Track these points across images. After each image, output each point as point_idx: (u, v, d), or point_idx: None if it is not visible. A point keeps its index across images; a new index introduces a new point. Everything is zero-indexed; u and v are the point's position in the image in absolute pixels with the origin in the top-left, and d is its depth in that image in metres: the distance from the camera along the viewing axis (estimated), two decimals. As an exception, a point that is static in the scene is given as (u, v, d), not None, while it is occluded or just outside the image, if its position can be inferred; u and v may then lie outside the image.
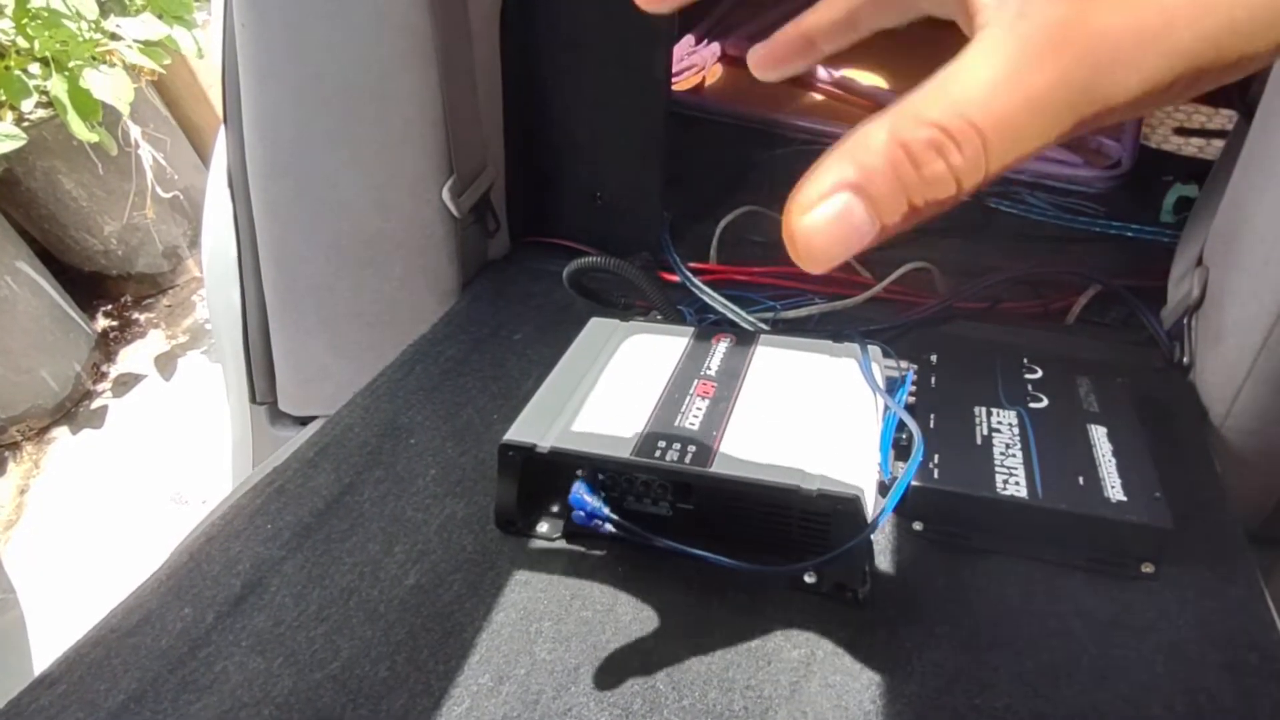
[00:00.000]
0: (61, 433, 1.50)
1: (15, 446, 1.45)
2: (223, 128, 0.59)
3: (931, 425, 0.43)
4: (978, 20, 0.16)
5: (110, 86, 1.26)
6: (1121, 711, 0.32)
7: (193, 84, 1.78)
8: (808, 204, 0.16)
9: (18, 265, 1.45)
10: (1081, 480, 0.38)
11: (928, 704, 0.32)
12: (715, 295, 0.59)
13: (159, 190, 1.62)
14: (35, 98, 1.28)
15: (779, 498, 0.36)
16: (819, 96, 1.01)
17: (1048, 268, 0.64)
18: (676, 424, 0.40)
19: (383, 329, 0.61)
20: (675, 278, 0.63)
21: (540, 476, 0.40)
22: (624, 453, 0.38)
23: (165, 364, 1.65)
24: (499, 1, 0.61)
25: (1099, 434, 0.41)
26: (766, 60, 0.25)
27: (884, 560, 0.39)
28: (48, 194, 1.54)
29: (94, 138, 1.28)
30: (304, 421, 0.66)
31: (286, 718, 0.32)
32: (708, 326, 0.52)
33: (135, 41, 1.34)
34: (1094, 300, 0.60)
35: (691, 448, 0.38)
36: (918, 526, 0.40)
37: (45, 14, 1.22)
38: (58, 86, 1.22)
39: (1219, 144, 0.82)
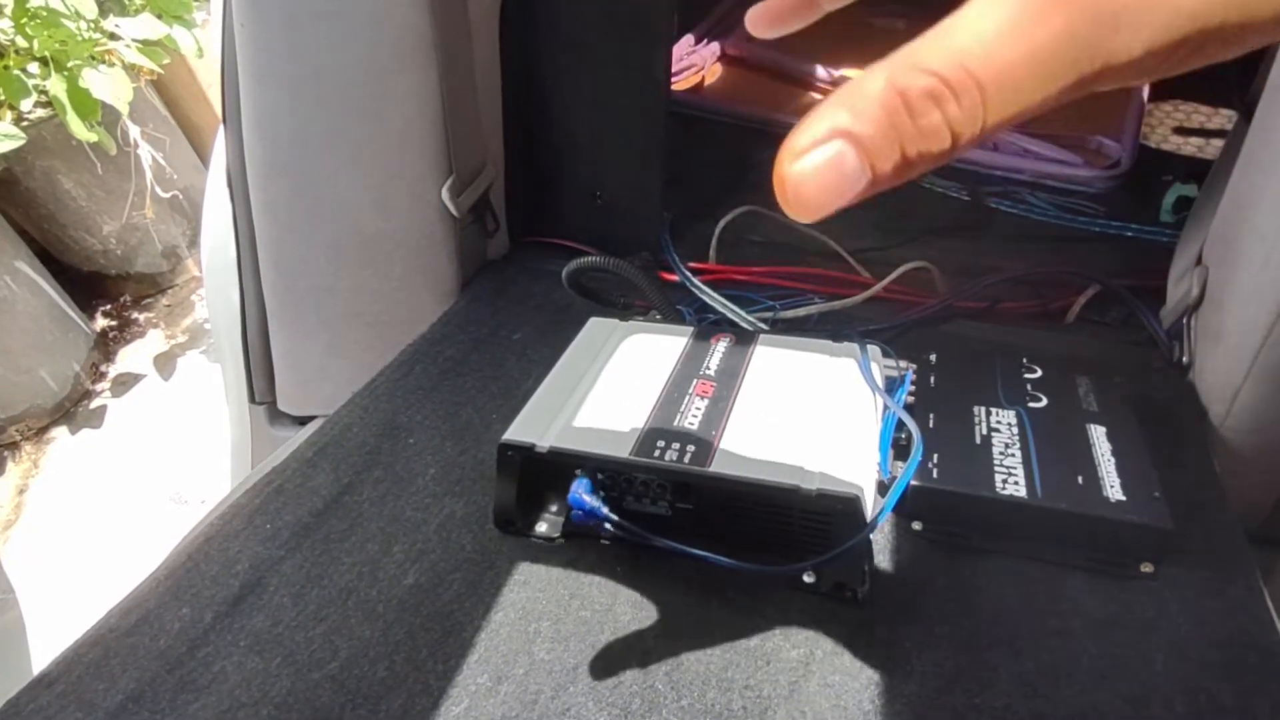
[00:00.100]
0: (60, 433, 1.50)
1: (14, 446, 1.45)
2: (222, 127, 0.59)
3: (931, 425, 0.43)
4: None
5: (109, 86, 1.26)
6: (1121, 711, 0.32)
7: (192, 84, 1.78)
8: (799, 150, 0.16)
9: (17, 265, 1.45)
10: (1081, 480, 0.38)
11: (927, 704, 0.32)
12: (714, 295, 0.59)
13: (158, 190, 1.62)
14: (34, 97, 1.28)
15: (778, 497, 0.36)
16: (819, 96, 1.02)
17: (1047, 267, 0.64)
18: (676, 423, 0.40)
19: (382, 329, 0.61)
20: (675, 277, 0.63)
21: (539, 476, 0.40)
22: (623, 452, 0.38)
23: (164, 364, 1.65)
24: (498, 0, 0.61)
25: (1098, 434, 0.41)
26: (766, 16, 0.25)
27: (883, 560, 0.39)
28: (47, 194, 1.54)
29: (93, 137, 1.28)
30: (303, 421, 0.66)
31: (285, 718, 0.32)
32: (707, 326, 0.52)
33: (134, 41, 1.34)
34: (1093, 300, 0.60)
35: (691, 447, 0.38)
36: (917, 526, 0.40)
37: (44, 13, 1.22)
38: (57, 86, 1.22)
39: (1218, 144, 0.82)
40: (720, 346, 0.46)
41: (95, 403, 1.56)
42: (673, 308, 0.57)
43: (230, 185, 0.59)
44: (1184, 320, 0.52)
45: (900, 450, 0.42)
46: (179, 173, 1.68)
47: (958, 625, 0.35)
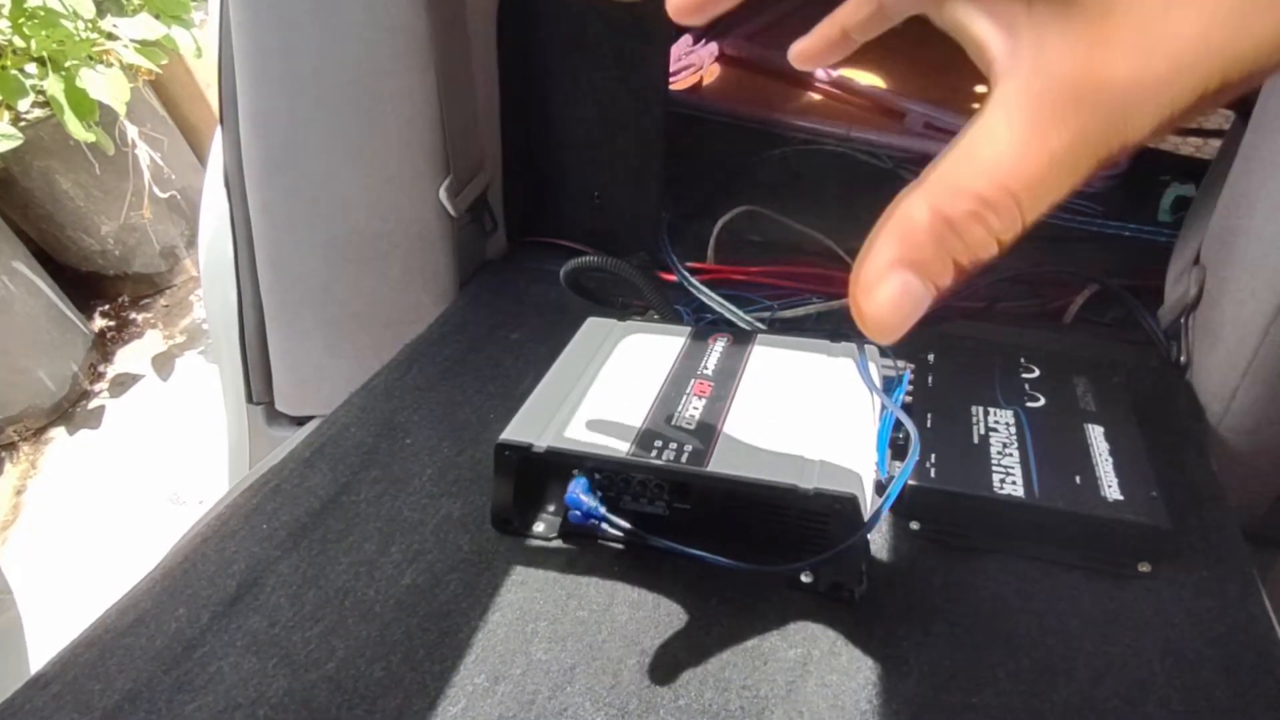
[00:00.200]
0: (59, 433, 1.50)
1: (12, 447, 1.45)
2: (219, 128, 0.59)
3: (928, 424, 0.43)
4: (993, 69, 0.17)
5: (107, 86, 1.26)
6: (1118, 710, 0.32)
7: (190, 84, 1.78)
8: (870, 286, 0.17)
9: (14, 265, 1.45)
10: (1078, 479, 0.38)
11: (924, 703, 0.32)
12: (712, 295, 0.59)
13: (156, 190, 1.62)
14: (32, 97, 1.27)
15: (776, 497, 0.36)
16: (817, 96, 1.02)
17: (1045, 267, 0.64)
18: (673, 423, 0.40)
19: (379, 329, 0.61)
20: (673, 277, 0.63)
21: (537, 476, 0.40)
22: (621, 452, 0.38)
23: (162, 364, 1.65)
24: (496, 1, 0.61)
25: (1096, 433, 0.41)
26: (806, 55, 0.27)
27: (881, 559, 0.39)
28: (44, 194, 1.54)
29: (91, 137, 1.28)
30: (301, 421, 0.66)
31: (281, 718, 0.32)
32: (705, 326, 0.52)
33: (132, 41, 1.33)
34: (1091, 299, 0.60)
35: (688, 447, 0.38)
36: (915, 526, 0.40)
37: (42, 13, 1.22)
38: (54, 86, 1.21)
39: (1216, 143, 0.82)
40: (718, 346, 0.46)
41: (93, 403, 1.56)
42: (670, 307, 0.57)
43: (228, 185, 0.59)
44: (1182, 320, 0.52)
45: (898, 450, 0.42)
46: (177, 173, 1.68)
47: (955, 624, 0.35)
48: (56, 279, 1.57)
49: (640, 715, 0.32)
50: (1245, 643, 0.34)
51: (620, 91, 0.64)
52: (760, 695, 0.33)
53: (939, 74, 0.95)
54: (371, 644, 0.35)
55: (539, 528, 0.40)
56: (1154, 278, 0.58)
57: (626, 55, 0.62)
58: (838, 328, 0.55)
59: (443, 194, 0.57)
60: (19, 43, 1.22)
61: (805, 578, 0.37)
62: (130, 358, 1.67)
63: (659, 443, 0.38)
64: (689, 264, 0.64)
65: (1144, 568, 0.37)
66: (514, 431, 0.39)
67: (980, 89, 0.91)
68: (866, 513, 0.35)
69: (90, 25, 1.29)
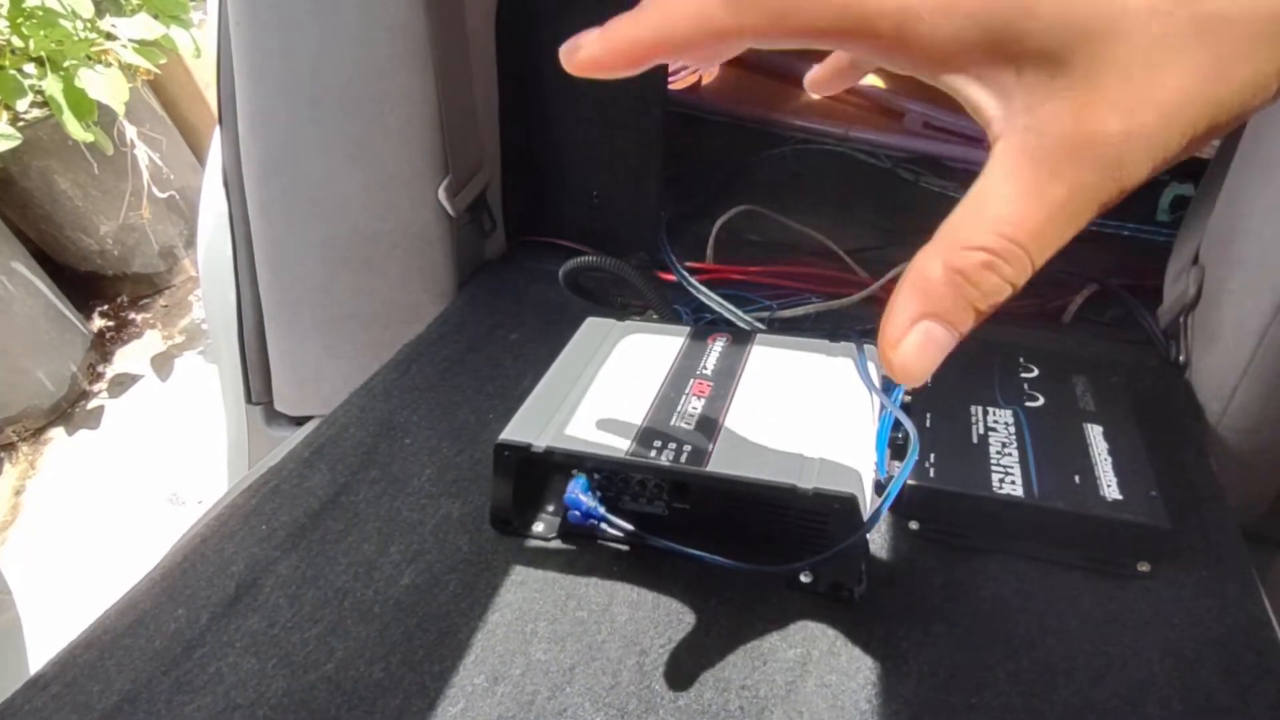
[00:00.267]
0: (58, 433, 1.50)
1: (11, 447, 1.45)
2: (218, 128, 0.59)
3: (927, 424, 0.43)
4: (990, 129, 0.18)
5: (106, 86, 1.25)
6: (1118, 710, 0.32)
7: (189, 84, 1.78)
8: (895, 340, 0.19)
9: (13, 265, 1.44)
10: (1077, 479, 0.38)
11: (924, 703, 0.32)
12: (711, 294, 0.59)
13: (155, 190, 1.61)
14: (30, 97, 1.27)
15: (775, 497, 0.36)
16: (815, 96, 1.01)
17: (1044, 266, 0.64)
18: (672, 423, 0.40)
19: (378, 329, 0.61)
20: (672, 277, 0.63)
21: (536, 476, 0.40)
22: (620, 452, 0.38)
23: (161, 364, 1.65)
24: (496, 1, 0.61)
25: (1095, 433, 0.41)
26: (819, 83, 0.30)
27: (880, 559, 0.39)
28: (43, 194, 1.54)
29: (89, 137, 1.28)
30: (300, 422, 0.66)
31: (280, 719, 0.32)
32: (704, 326, 0.52)
33: (131, 41, 1.33)
34: (1090, 299, 0.60)
35: (687, 447, 0.38)
36: (914, 525, 0.40)
37: (40, 13, 1.22)
38: (53, 86, 1.21)
39: (1214, 142, 0.82)
40: (717, 346, 0.46)
41: (92, 403, 1.56)
42: (670, 307, 0.57)
43: (226, 185, 0.59)
44: (1181, 319, 0.52)
45: (897, 450, 0.42)
46: (176, 173, 1.68)
47: (954, 624, 0.35)
48: (55, 279, 1.56)
49: (640, 716, 0.32)
50: (1245, 643, 0.34)
51: (619, 91, 0.64)
52: (760, 695, 0.33)
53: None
54: (371, 644, 0.35)
55: (538, 528, 0.40)
56: (1153, 277, 0.58)
57: (625, 55, 0.62)
58: (837, 327, 0.55)
59: (441, 194, 0.57)
60: (17, 42, 1.22)
61: (805, 578, 0.37)
62: (129, 358, 1.67)
63: (658, 442, 0.38)
64: (688, 264, 0.64)
65: (1144, 567, 0.37)
66: (513, 431, 0.39)
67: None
68: (866, 512, 0.35)
69: (89, 25, 1.29)
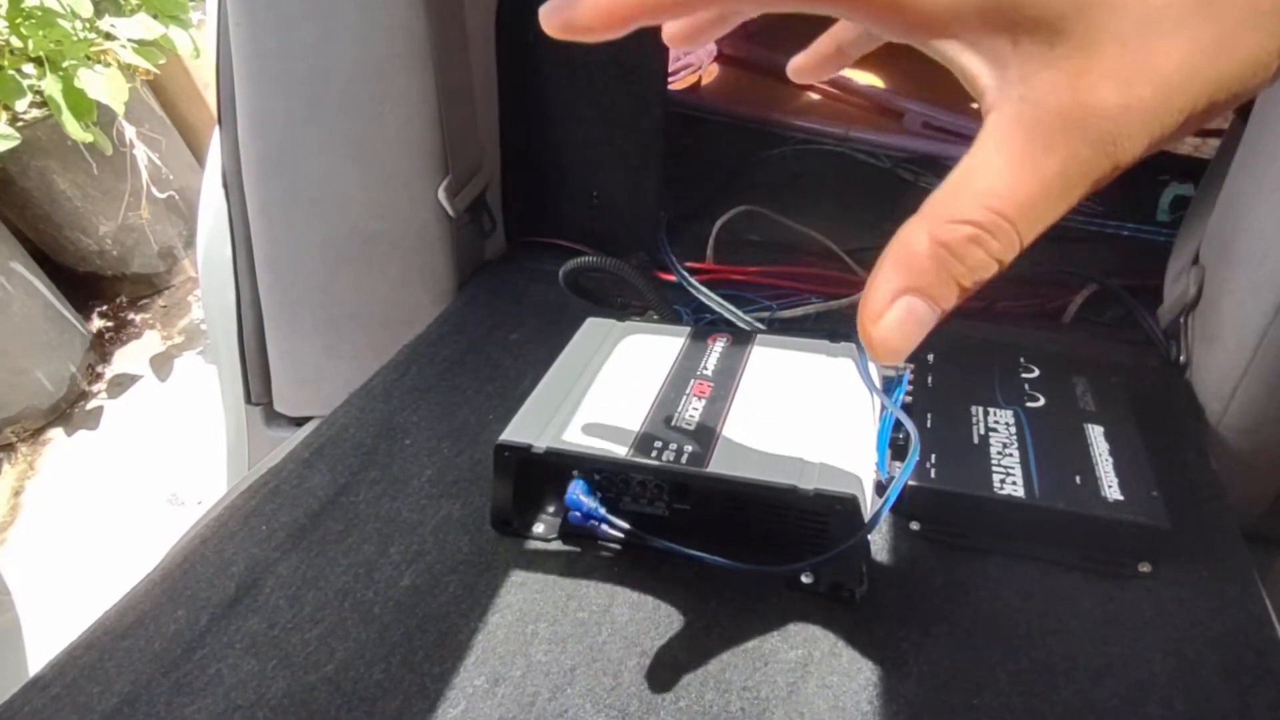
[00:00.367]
0: (57, 434, 1.49)
1: (10, 448, 1.45)
2: (217, 128, 0.59)
3: (928, 425, 0.42)
4: (984, 99, 0.18)
5: (105, 86, 1.25)
6: (1118, 710, 0.32)
7: (188, 84, 1.78)
8: (877, 313, 0.18)
9: (12, 266, 1.44)
10: (1078, 479, 0.38)
11: (925, 704, 0.32)
12: (711, 295, 0.59)
13: (154, 190, 1.61)
14: (29, 97, 1.27)
15: (776, 497, 0.36)
16: (815, 96, 1.01)
17: (1044, 267, 0.64)
18: (673, 424, 0.40)
19: (378, 329, 0.61)
20: (671, 277, 0.63)
21: (536, 477, 0.40)
22: (620, 453, 0.38)
23: (161, 365, 1.65)
24: (495, 1, 0.61)
25: (1096, 433, 0.41)
26: (803, 70, 0.28)
27: (881, 560, 0.39)
28: (42, 194, 1.54)
29: (89, 138, 1.28)
30: (299, 422, 0.66)
31: (281, 720, 0.32)
32: (704, 326, 0.51)
33: (130, 41, 1.33)
34: (1091, 299, 0.60)
35: (688, 448, 0.38)
36: (915, 526, 0.40)
37: (39, 13, 1.22)
38: (52, 86, 1.21)
39: (1214, 143, 0.82)
40: (717, 346, 0.46)
41: (91, 404, 1.56)
42: (670, 308, 0.57)
43: (226, 185, 0.59)
44: (1181, 319, 0.52)
45: (898, 450, 0.42)
46: (175, 173, 1.68)
47: (955, 625, 0.35)
48: (54, 279, 1.56)
49: (640, 717, 0.32)
50: (1245, 643, 0.34)
51: (619, 91, 0.64)
52: (761, 696, 0.33)
53: (937, 73, 0.95)
54: (371, 645, 0.35)
55: (538, 529, 0.40)
56: (1153, 277, 0.58)
57: (625, 55, 0.62)
58: (837, 327, 0.55)
59: (441, 194, 0.57)
60: (16, 43, 1.22)
61: (805, 578, 0.37)
62: (128, 358, 1.67)
63: (658, 443, 0.38)
64: (688, 264, 0.64)
65: (1144, 568, 0.37)
66: (513, 432, 0.39)
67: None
68: (867, 513, 0.35)
69: (88, 25, 1.29)
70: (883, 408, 0.43)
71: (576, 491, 0.38)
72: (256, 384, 0.65)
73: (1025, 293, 0.62)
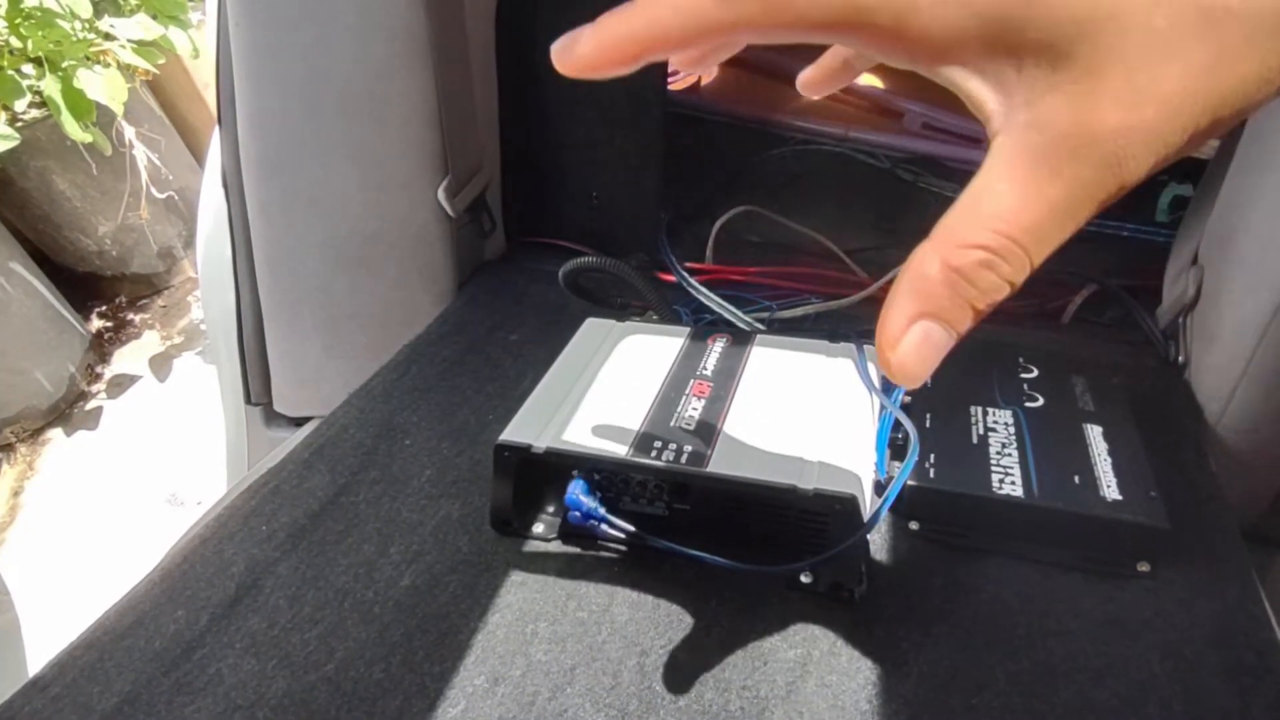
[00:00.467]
0: (56, 434, 1.49)
1: (10, 448, 1.45)
2: (217, 128, 0.59)
3: (927, 425, 0.43)
4: (990, 124, 0.18)
5: (104, 86, 1.25)
6: (1118, 711, 0.32)
7: (187, 84, 1.78)
8: (894, 339, 0.19)
9: (11, 266, 1.44)
10: (1077, 479, 0.38)
11: (924, 704, 0.32)
12: (711, 295, 0.59)
13: (153, 191, 1.61)
14: (29, 98, 1.27)
15: (775, 497, 0.36)
16: (815, 97, 1.01)
17: (1044, 267, 0.64)
18: (672, 424, 0.40)
19: (378, 329, 0.61)
20: (671, 278, 0.63)
21: (536, 477, 0.40)
22: (620, 453, 0.38)
23: (160, 365, 1.65)
24: (495, 1, 0.61)
25: (1095, 433, 0.41)
26: (811, 84, 0.30)
27: (880, 560, 0.39)
28: (41, 194, 1.54)
29: (88, 138, 1.28)
30: (299, 422, 0.66)
31: (281, 720, 0.32)
32: (704, 326, 0.52)
33: (129, 41, 1.33)
34: (1090, 299, 0.60)
35: (687, 448, 0.38)
36: (914, 526, 0.40)
37: (39, 13, 1.22)
38: (51, 86, 1.21)
39: (1214, 143, 0.82)
40: (717, 347, 0.46)
41: (91, 404, 1.56)
42: (669, 308, 0.57)
43: (226, 186, 0.59)
44: (1180, 320, 0.52)
45: (897, 450, 0.42)
46: (174, 173, 1.68)
47: (955, 625, 0.35)
48: (53, 280, 1.56)
49: (640, 716, 0.32)
50: (1245, 643, 0.34)
51: (619, 91, 0.64)
52: (760, 696, 0.33)
53: (937, 74, 0.95)
54: (371, 645, 0.35)
55: (538, 529, 0.40)
56: (1152, 277, 0.58)
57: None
58: (836, 327, 0.55)
59: (441, 194, 0.57)
60: (15, 43, 1.22)
61: (805, 578, 0.37)
62: (128, 359, 1.67)
63: (658, 443, 0.38)
64: (688, 264, 0.64)
65: (1143, 568, 0.37)
66: (513, 432, 0.39)
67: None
68: (866, 513, 0.35)
69: (87, 25, 1.29)
70: (882, 408, 0.43)
71: (576, 491, 0.38)
72: (256, 384, 0.65)
73: (1024, 293, 0.61)
